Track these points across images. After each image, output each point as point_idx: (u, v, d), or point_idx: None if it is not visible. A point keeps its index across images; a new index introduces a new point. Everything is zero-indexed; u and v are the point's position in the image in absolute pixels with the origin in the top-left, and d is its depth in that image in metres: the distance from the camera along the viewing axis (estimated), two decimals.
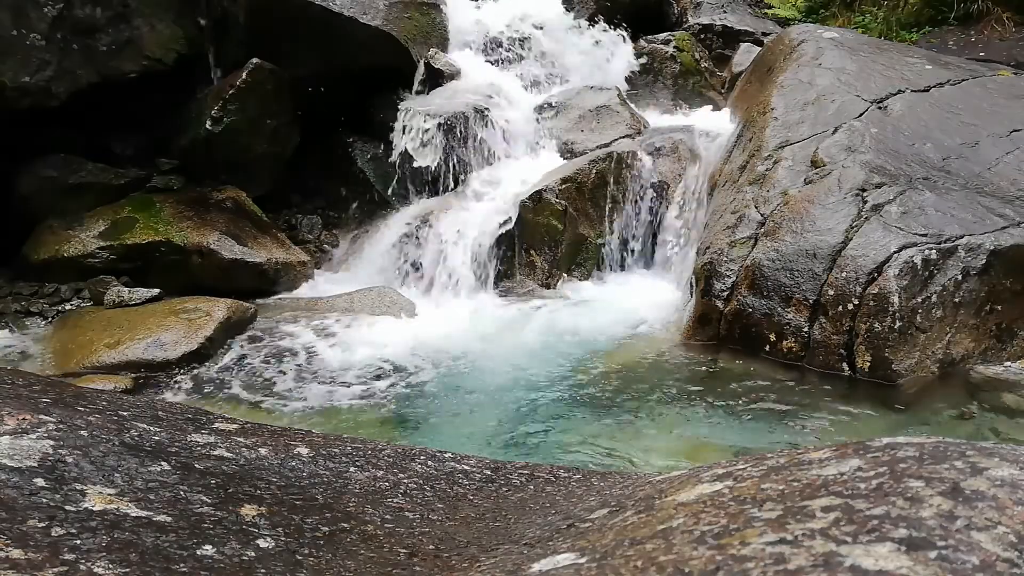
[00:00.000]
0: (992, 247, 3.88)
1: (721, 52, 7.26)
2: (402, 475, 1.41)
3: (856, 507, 0.79)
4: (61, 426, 1.23)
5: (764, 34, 7.14)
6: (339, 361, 4.17)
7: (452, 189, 5.49)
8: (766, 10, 8.03)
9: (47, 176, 4.90)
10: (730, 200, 4.65)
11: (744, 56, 6.79)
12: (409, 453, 1.56)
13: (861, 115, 4.76)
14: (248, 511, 1.14)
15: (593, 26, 6.67)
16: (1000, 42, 6.81)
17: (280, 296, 4.99)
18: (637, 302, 4.83)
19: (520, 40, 6.40)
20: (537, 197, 5.15)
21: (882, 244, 3.91)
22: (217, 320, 4.27)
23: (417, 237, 5.25)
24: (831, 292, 3.90)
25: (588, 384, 3.90)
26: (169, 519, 1.06)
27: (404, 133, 5.46)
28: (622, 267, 5.29)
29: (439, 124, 5.42)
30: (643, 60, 6.67)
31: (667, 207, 5.29)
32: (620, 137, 5.63)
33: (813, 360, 3.92)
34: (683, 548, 0.79)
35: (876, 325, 3.77)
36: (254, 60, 5.24)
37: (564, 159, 5.59)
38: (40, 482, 1.06)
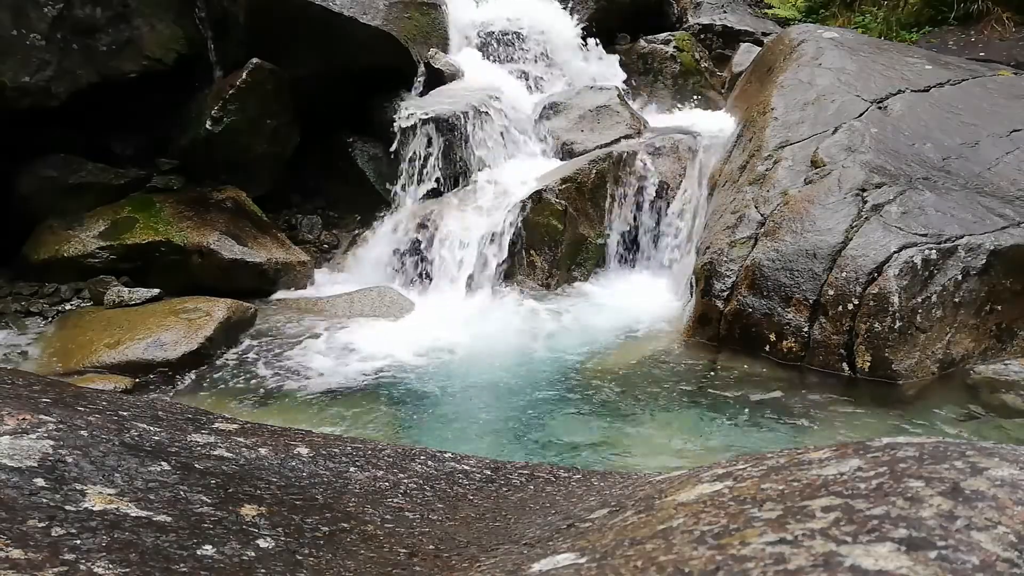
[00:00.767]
0: (992, 247, 3.88)
1: (721, 52, 7.27)
2: (402, 475, 1.41)
3: (856, 507, 0.79)
4: (61, 426, 1.23)
5: (764, 34, 7.15)
6: (339, 361, 4.17)
7: (452, 189, 5.49)
8: (766, 10, 8.04)
9: (47, 176, 4.90)
10: (730, 200, 4.65)
11: (744, 56, 6.80)
12: (409, 453, 1.55)
13: (861, 115, 4.76)
14: (248, 511, 1.14)
15: (586, 45, 6.66)
16: (1000, 42, 6.81)
17: (280, 296, 4.99)
18: (637, 302, 4.83)
19: (520, 40, 6.40)
20: (537, 197, 5.15)
21: (882, 244, 3.91)
22: (217, 320, 4.27)
23: (417, 237, 5.25)
24: (831, 292, 3.90)
25: (588, 384, 3.90)
26: (169, 519, 1.06)
27: (404, 133, 5.46)
28: (622, 267, 5.29)
29: (439, 124, 5.42)
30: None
31: (667, 207, 5.29)
32: (620, 137, 5.63)
33: (813, 360, 3.92)
34: (683, 548, 0.79)
35: (876, 325, 3.77)
36: (254, 60, 5.24)
37: (564, 159, 5.59)
38: (40, 482, 1.06)
